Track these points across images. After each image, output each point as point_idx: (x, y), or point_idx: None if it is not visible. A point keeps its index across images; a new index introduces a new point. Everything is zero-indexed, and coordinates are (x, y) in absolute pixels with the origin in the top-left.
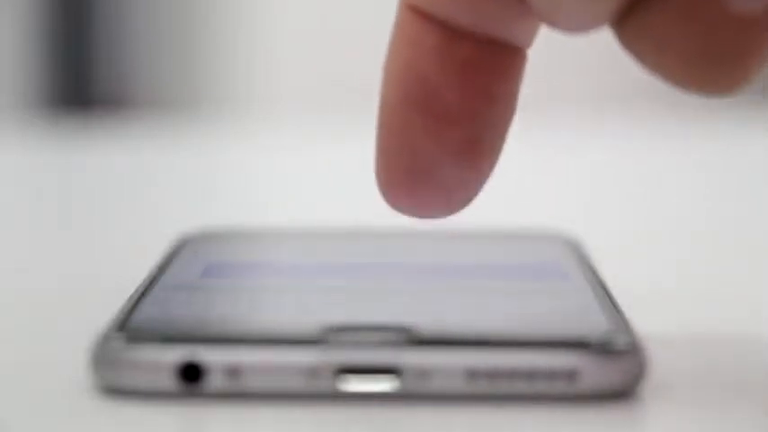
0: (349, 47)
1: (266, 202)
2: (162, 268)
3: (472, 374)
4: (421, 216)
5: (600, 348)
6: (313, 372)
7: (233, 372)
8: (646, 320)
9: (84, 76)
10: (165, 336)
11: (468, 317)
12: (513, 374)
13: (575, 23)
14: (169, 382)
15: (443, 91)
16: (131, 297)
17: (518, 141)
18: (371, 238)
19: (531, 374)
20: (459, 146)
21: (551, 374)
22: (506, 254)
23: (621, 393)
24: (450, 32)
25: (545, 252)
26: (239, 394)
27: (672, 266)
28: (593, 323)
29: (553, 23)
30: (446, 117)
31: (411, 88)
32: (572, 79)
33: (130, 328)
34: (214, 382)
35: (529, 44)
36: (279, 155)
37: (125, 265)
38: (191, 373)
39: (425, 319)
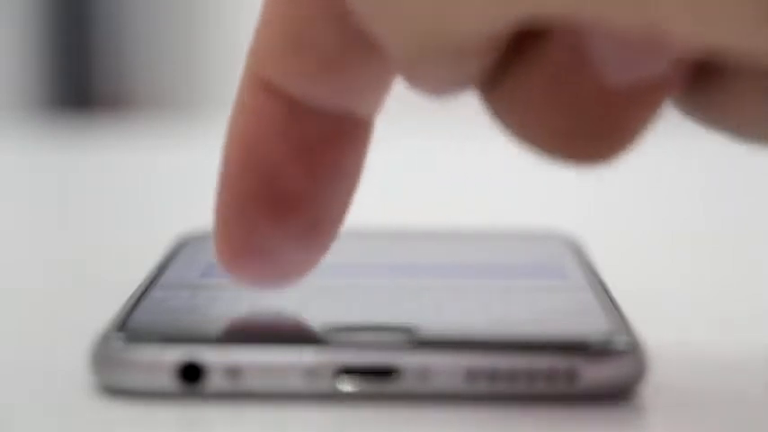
0: None
1: None
2: (162, 268)
3: (472, 375)
4: (255, 286)
5: (600, 349)
6: (313, 372)
7: (233, 372)
8: (646, 321)
9: (84, 76)
10: (165, 336)
11: (468, 317)
12: (512, 375)
13: (432, 87)
14: (169, 382)
15: (287, 173)
16: (131, 297)
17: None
18: (371, 238)
19: (530, 375)
20: (300, 230)
21: (551, 375)
22: (506, 254)
23: (621, 393)
24: (297, 109)
25: (545, 252)
26: (239, 394)
27: (672, 266)
28: (592, 323)
29: (415, 87)
30: (289, 202)
31: (253, 164)
32: None
33: (130, 328)
34: (214, 382)
35: (377, 114)
36: None
37: (125, 265)
38: (191, 373)
39: (425, 319)
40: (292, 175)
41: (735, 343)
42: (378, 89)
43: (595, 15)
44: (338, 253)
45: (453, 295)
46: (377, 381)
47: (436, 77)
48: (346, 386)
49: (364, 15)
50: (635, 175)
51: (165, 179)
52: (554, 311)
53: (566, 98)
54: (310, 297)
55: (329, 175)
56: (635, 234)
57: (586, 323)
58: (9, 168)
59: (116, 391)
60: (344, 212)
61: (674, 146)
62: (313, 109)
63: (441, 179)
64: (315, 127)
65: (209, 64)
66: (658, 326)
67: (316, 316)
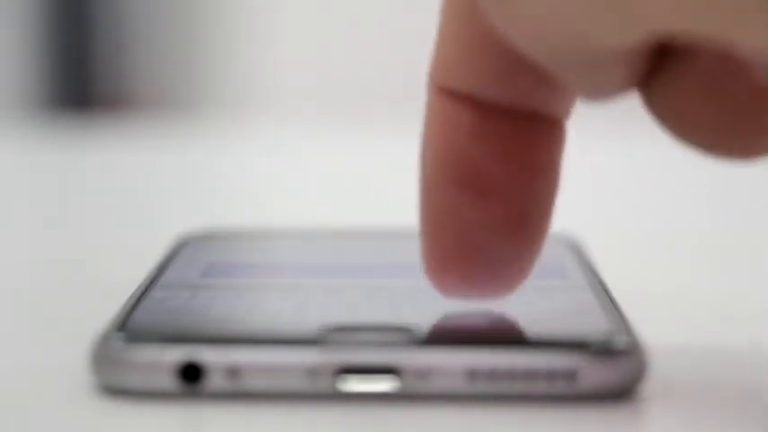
0: (349, 47)
1: (266, 202)
2: (162, 268)
3: (472, 374)
4: (472, 298)
5: (600, 348)
6: (313, 372)
7: (233, 372)
8: (646, 321)
9: (84, 76)
10: (165, 336)
11: (468, 317)
12: (513, 374)
13: (592, 92)
14: (169, 382)
15: (485, 166)
16: (131, 297)
17: None
18: (371, 237)
19: (530, 374)
20: (506, 221)
21: (551, 374)
22: None
23: (621, 393)
24: (485, 108)
25: (545, 252)
26: (239, 394)
27: (672, 266)
28: (593, 323)
29: (577, 91)
30: (490, 192)
31: (452, 166)
32: None
33: (130, 328)
34: (214, 382)
35: (566, 115)
36: (279, 155)
37: (125, 264)
38: (191, 373)
39: (425, 319)
40: (491, 168)
41: (735, 343)
42: (559, 90)
43: (717, 37)
44: (338, 253)
45: None
46: (377, 381)
47: (591, 84)
48: (346, 386)
49: (508, 38)
50: (635, 176)
51: (165, 179)
52: (554, 311)
53: (719, 97)
54: (310, 297)
55: (526, 170)
56: (635, 234)
57: (586, 323)
58: (9, 168)
59: (116, 391)
60: (549, 212)
61: (674, 145)
62: (501, 109)
63: None
64: (505, 125)
65: (209, 64)
66: (658, 326)
67: (316, 316)
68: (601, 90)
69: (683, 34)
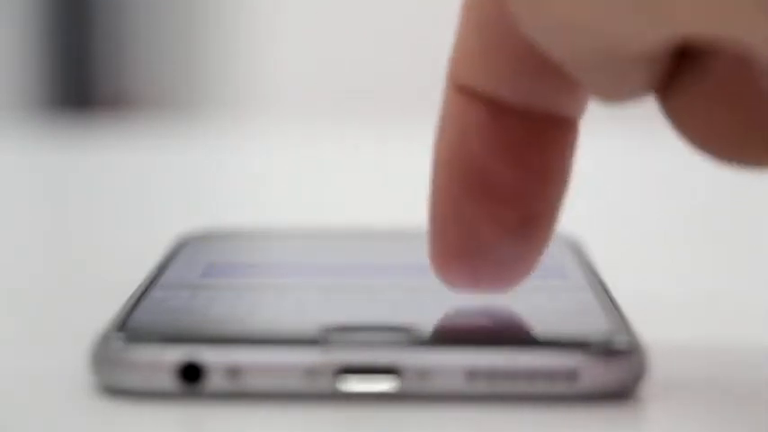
0: (349, 47)
1: (266, 202)
2: (162, 268)
3: (472, 374)
4: (478, 293)
5: (600, 348)
6: (313, 372)
7: (233, 372)
8: (646, 321)
9: (84, 76)
10: (165, 336)
11: (468, 317)
12: (512, 374)
13: (609, 95)
14: (169, 382)
15: (493, 170)
16: (131, 297)
17: None
18: (371, 238)
19: (531, 374)
20: (514, 224)
21: (551, 374)
22: None
23: (621, 393)
24: (495, 109)
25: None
26: (239, 394)
27: (672, 267)
28: (593, 323)
29: (593, 94)
30: (498, 197)
31: (460, 169)
32: None
33: (130, 328)
34: (214, 382)
35: (579, 114)
36: (279, 155)
37: (125, 265)
38: (191, 373)
39: (425, 319)
40: (501, 173)
41: (735, 343)
42: (576, 91)
43: (744, 41)
44: (338, 253)
45: (453, 295)
46: (377, 380)
47: (610, 86)
48: (346, 386)
49: (533, 37)
50: (635, 176)
51: (165, 179)
52: (554, 311)
53: (734, 105)
54: (310, 297)
55: (536, 173)
56: (635, 234)
57: (586, 323)
58: (9, 168)
59: (116, 391)
60: (557, 211)
61: (675, 145)
62: (515, 110)
63: None
64: (518, 127)
65: (209, 64)
66: (658, 326)
67: (316, 316)
68: (619, 93)
69: (708, 37)
